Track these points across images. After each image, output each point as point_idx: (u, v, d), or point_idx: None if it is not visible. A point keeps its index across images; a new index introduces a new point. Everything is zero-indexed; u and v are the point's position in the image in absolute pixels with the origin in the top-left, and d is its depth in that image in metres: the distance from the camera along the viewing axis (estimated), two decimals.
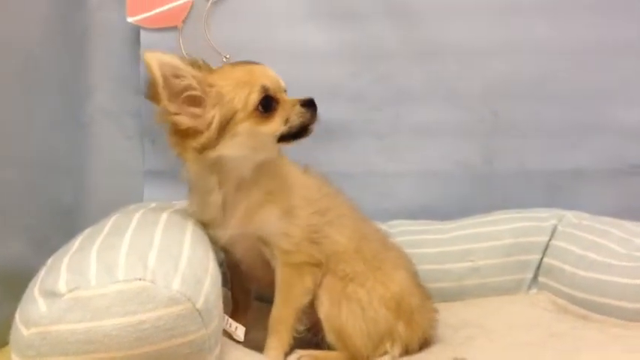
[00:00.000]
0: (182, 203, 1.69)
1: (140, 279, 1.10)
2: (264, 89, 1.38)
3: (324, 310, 1.47)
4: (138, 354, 1.06)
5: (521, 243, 1.90)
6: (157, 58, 1.34)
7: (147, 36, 2.10)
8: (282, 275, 1.45)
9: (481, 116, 2.17)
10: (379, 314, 1.47)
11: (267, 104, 1.38)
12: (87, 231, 1.38)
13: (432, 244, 1.90)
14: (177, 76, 1.35)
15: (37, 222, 1.88)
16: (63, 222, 1.96)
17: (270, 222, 1.45)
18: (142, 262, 1.13)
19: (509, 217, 1.97)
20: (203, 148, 1.37)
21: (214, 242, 1.46)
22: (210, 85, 1.38)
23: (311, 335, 1.52)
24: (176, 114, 1.35)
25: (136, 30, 2.11)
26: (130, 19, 2.09)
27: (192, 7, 2.11)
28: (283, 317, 1.46)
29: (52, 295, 1.09)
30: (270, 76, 1.43)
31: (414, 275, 1.61)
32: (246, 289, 1.64)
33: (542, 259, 1.90)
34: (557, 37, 2.14)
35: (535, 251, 1.91)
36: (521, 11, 2.13)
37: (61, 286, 1.10)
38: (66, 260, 1.18)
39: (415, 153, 2.13)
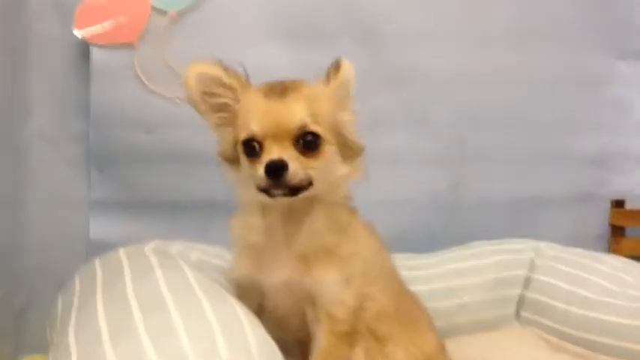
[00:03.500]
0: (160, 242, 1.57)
1: None
2: (251, 133, 1.24)
3: None
4: None
5: (503, 277, 1.88)
6: (197, 73, 1.28)
7: (98, 53, 1.90)
8: (324, 342, 1.30)
9: (449, 144, 2.14)
10: None
11: (250, 149, 1.24)
12: (96, 294, 1.19)
13: (421, 280, 1.82)
14: (213, 94, 1.29)
15: None
16: None
17: (327, 284, 1.30)
18: (215, 353, 0.98)
19: (488, 250, 1.93)
20: (228, 160, 1.32)
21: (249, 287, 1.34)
22: (238, 101, 1.29)
23: None
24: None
25: (84, 45, 1.90)
26: (77, 33, 1.87)
27: (148, 22, 1.92)
28: None
29: None
30: (274, 115, 1.24)
31: (438, 335, 1.54)
32: None
33: (522, 293, 1.88)
34: (524, 67, 2.17)
35: (515, 285, 1.89)
36: (490, 41, 2.15)
37: None
38: (107, 347, 1.00)
39: (385, 181, 2.04)
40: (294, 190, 1.21)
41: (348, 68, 1.32)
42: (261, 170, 1.19)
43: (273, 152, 1.20)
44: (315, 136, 1.23)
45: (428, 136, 2.14)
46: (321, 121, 1.24)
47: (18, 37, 1.86)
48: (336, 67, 1.31)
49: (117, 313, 1.10)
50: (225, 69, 1.29)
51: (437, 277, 1.87)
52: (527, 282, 1.89)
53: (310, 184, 1.23)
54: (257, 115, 1.24)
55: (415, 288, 1.67)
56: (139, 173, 1.96)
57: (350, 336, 1.32)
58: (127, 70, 1.91)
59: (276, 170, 1.18)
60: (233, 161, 1.30)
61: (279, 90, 1.26)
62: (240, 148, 1.25)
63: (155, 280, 1.22)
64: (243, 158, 1.26)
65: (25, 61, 1.89)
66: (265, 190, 1.21)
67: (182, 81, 1.30)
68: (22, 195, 1.90)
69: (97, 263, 1.43)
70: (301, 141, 1.22)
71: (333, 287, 1.29)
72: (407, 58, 2.10)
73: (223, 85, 1.29)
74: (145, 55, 1.91)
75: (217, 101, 1.29)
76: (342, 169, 1.30)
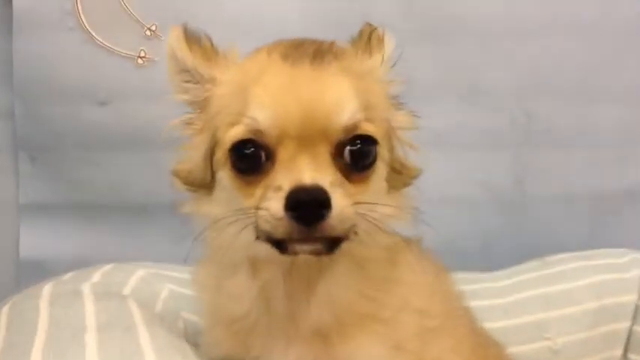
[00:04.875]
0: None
1: None
2: (252, 127, 0.79)
3: None
4: None
5: (605, 306, 1.44)
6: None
7: (21, 3, 1.51)
8: None
9: (510, 120, 1.75)
10: None
11: (246, 160, 0.81)
12: None
13: (489, 312, 1.39)
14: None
15: None
16: None
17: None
18: None
19: (581, 267, 1.51)
20: (193, 185, 0.90)
21: None
22: (211, 82, 0.89)
23: None
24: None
25: None
26: None
27: None
28: None
29: None
30: (301, 96, 0.78)
31: None
32: None
33: (632, 327, 1.44)
34: (607, 15, 1.74)
35: (623, 317, 1.45)
36: None
37: None
38: None
39: (426, 172, 1.59)
40: (333, 244, 0.78)
41: (391, 45, 0.94)
42: (276, 205, 0.74)
43: (299, 169, 0.76)
44: (370, 144, 0.82)
45: (481, 110, 1.73)
46: (377, 118, 0.83)
47: None
48: (377, 38, 0.93)
49: None
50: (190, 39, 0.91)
51: (512, 307, 1.45)
52: (637, 311, 1.46)
53: (355, 231, 0.80)
54: (267, 94, 0.79)
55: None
56: (86, 162, 1.59)
57: None
58: (66, 18, 1.50)
59: (312, 208, 0.74)
60: (202, 185, 0.89)
61: (311, 53, 0.82)
62: (222, 160, 0.84)
63: None
64: (227, 177, 0.84)
65: None
66: (280, 243, 0.77)
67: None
68: None
69: (3, 311, 1.06)
70: (348, 151, 0.80)
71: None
72: (449, 5, 1.68)
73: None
74: None
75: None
76: (387, 202, 0.87)
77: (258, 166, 0.78)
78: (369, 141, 0.80)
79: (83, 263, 1.29)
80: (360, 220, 0.78)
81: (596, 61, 1.79)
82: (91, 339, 0.87)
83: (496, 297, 1.48)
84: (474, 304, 1.32)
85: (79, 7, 1.50)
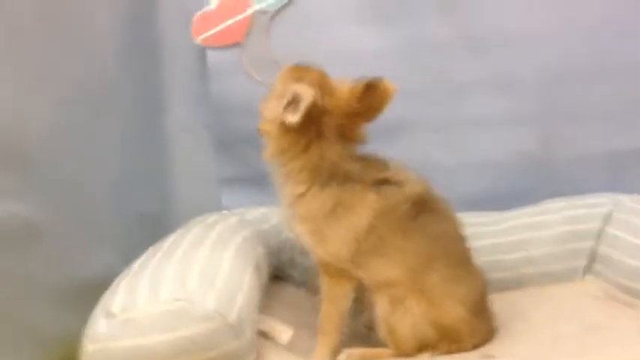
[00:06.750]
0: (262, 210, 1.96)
1: (180, 299, 1.26)
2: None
3: (381, 313, 1.51)
4: None
5: (574, 230, 1.91)
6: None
7: (213, 54, 2.26)
8: (322, 280, 1.54)
9: (536, 102, 2.15)
10: (426, 334, 1.49)
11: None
12: (150, 250, 1.56)
13: (488, 235, 1.92)
14: None
15: (124, 233, 2.06)
16: (147, 231, 2.10)
17: (303, 237, 1.53)
18: (182, 283, 1.30)
19: (562, 205, 1.97)
20: None
21: None
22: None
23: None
24: None
25: (202, 48, 2.27)
26: (195, 40, 2.26)
27: (251, 21, 2.23)
28: (327, 317, 1.54)
29: (109, 315, 1.28)
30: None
31: (477, 302, 1.56)
32: None
33: (596, 246, 1.89)
34: (609, 13, 2.09)
35: (587, 238, 1.90)
36: None
37: (116, 307, 1.28)
38: (124, 282, 1.37)
39: (471, 145, 2.17)
40: None
41: None
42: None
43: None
44: None
45: (513, 97, 2.13)
46: None
47: (151, 45, 2.28)
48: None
49: (151, 257, 1.49)
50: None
51: (504, 231, 1.95)
52: (599, 235, 1.89)
53: None
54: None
55: (481, 243, 1.83)
56: (255, 152, 2.06)
57: (345, 278, 1.51)
58: (238, 66, 2.22)
59: None
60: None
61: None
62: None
63: (207, 234, 1.61)
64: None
65: (157, 65, 2.30)
66: None
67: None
68: (167, 175, 2.34)
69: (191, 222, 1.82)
70: None
71: (309, 240, 1.52)
72: (488, 21, 2.14)
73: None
74: (252, 50, 2.22)
75: None
76: None
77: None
78: None
79: None
80: None
81: (609, 50, 2.09)
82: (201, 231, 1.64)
83: (493, 225, 1.94)
84: (478, 230, 1.89)
85: (243, 59, 2.19)
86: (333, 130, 1.47)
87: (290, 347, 1.50)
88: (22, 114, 1.63)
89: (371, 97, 1.46)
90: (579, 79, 2.14)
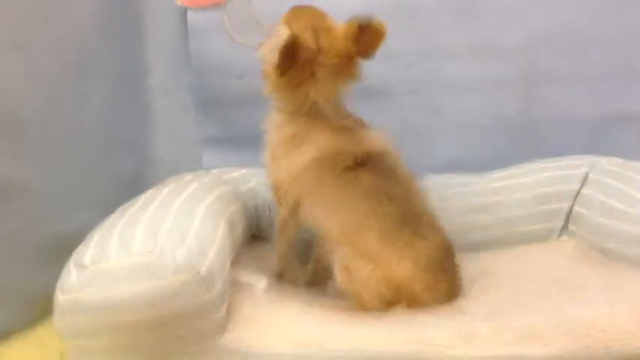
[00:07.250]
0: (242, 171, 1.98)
1: (151, 252, 1.27)
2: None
3: (337, 270, 1.51)
4: (151, 316, 1.24)
5: (551, 192, 1.92)
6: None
7: (193, 15, 2.25)
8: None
9: (519, 69, 2.16)
10: (380, 291, 1.46)
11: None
12: (124, 206, 1.56)
13: (464, 197, 1.93)
14: None
15: (105, 193, 2.05)
16: (128, 192, 2.13)
17: (265, 163, 1.64)
18: (153, 237, 1.31)
19: (540, 167, 1.98)
20: None
21: None
22: None
23: None
24: None
25: (182, 9, 2.26)
26: (175, 0, 2.24)
27: None
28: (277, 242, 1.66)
29: (80, 267, 1.28)
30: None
31: (430, 260, 1.49)
32: None
33: (572, 207, 1.91)
34: None
35: (565, 199, 1.92)
36: None
37: (87, 259, 1.28)
38: (96, 236, 1.37)
39: (452, 108, 2.18)
40: None
41: None
42: None
43: None
44: None
45: (497, 64, 2.14)
46: None
47: (131, 7, 2.27)
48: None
49: (126, 212, 1.50)
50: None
51: (481, 192, 1.95)
52: (577, 196, 1.91)
53: None
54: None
55: (457, 204, 1.89)
56: (236, 113, 2.25)
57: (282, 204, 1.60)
58: (218, 27, 2.13)
59: None
60: None
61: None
62: None
63: (182, 191, 1.61)
64: None
65: (142, 29, 2.30)
66: None
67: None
68: (147, 137, 2.34)
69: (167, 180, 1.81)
70: None
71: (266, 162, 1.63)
72: None
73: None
74: (233, 12, 2.16)
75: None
76: None
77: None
78: None
79: None
80: None
81: (588, 19, 2.11)
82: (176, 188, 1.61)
83: (469, 185, 1.95)
84: (453, 191, 1.93)
85: (226, 20, 2.08)
86: (328, 69, 1.51)
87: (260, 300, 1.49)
88: (2, 79, 1.65)
89: (365, 37, 1.48)
90: (562, 45, 2.15)
